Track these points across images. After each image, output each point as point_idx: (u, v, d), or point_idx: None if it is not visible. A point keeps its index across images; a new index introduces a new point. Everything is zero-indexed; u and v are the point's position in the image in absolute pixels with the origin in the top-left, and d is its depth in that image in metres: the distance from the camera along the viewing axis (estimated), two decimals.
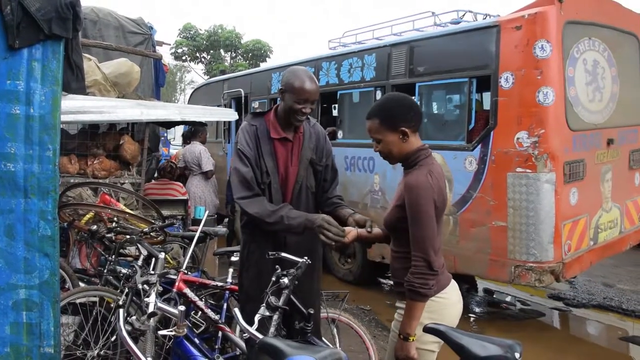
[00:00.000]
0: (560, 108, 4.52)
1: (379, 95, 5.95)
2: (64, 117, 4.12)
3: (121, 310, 2.14)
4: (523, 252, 4.50)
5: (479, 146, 4.88)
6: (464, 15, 6.16)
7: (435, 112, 6.52)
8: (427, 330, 1.88)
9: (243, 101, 8.45)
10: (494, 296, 6.42)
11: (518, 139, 4.55)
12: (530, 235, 4.47)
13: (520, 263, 4.50)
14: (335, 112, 7.55)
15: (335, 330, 3.15)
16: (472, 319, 5.50)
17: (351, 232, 2.37)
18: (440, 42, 5.45)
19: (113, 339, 3.21)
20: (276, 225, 2.50)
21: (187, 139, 7.43)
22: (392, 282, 2.36)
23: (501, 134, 4.70)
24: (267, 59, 32.48)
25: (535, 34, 4.51)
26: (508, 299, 6.27)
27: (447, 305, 2.19)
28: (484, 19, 5.93)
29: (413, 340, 2.07)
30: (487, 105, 5.48)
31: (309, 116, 2.75)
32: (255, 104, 8.18)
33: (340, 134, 6.61)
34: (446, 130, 5.75)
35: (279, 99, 2.70)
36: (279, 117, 2.67)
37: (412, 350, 2.07)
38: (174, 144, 17.84)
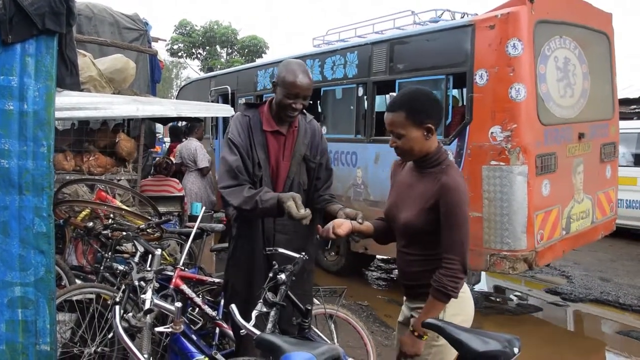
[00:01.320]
0: (532, 103, 4.69)
1: (360, 91, 6.13)
2: (58, 114, 4.09)
3: (117, 307, 2.12)
4: (497, 241, 4.66)
5: (456, 140, 5.06)
6: (442, 14, 6.36)
7: None
8: (425, 325, 1.87)
9: (230, 98, 8.63)
10: (507, 294, 6.42)
11: (492, 133, 4.74)
12: (504, 225, 4.62)
13: (495, 252, 4.66)
14: (319, 109, 7.63)
15: (333, 326, 3.15)
16: None
17: (344, 224, 2.23)
18: (418, 41, 5.65)
19: (110, 336, 3.19)
20: (255, 212, 2.42)
21: (185, 134, 7.40)
22: (406, 285, 2.26)
23: (476, 128, 4.89)
24: (263, 54, 32.38)
25: (508, 33, 4.70)
26: (516, 294, 6.27)
27: (468, 299, 2.18)
28: (461, 17, 6.07)
29: (425, 339, 2.04)
30: (463, 101, 5.66)
31: (305, 112, 2.69)
32: (242, 101, 8.35)
33: (324, 129, 6.70)
34: None
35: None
36: (273, 111, 2.62)
37: (422, 348, 2.05)
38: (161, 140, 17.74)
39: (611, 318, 5.54)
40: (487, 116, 4.81)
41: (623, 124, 10.75)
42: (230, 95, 8.69)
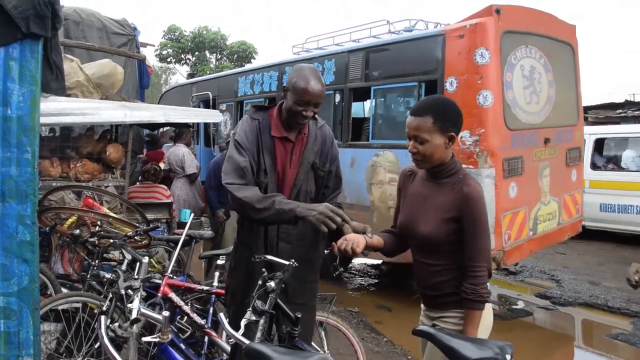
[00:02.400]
0: (499, 109, 4.94)
1: (337, 98, 6.31)
2: (45, 119, 4.04)
3: (103, 317, 2.08)
4: None
5: None
6: (416, 23, 6.70)
7: (389, 113, 6.98)
8: (416, 333, 1.85)
9: (211, 104, 8.90)
10: (497, 299, 6.42)
11: (461, 137, 4.93)
12: None
13: None
14: None
15: (323, 333, 3.12)
16: None
17: (359, 240, 2.13)
18: (392, 49, 5.95)
19: (97, 346, 3.13)
20: (265, 212, 2.29)
21: (174, 140, 7.36)
22: (427, 295, 2.22)
23: None
24: (252, 60, 32.34)
25: (476, 42, 5.00)
26: (506, 299, 6.28)
27: (488, 305, 2.15)
28: (435, 27, 6.35)
29: None
30: None
31: (317, 117, 2.59)
32: (223, 107, 8.62)
33: None
34: (398, 130, 6.15)
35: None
36: (282, 116, 2.50)
37: None
38: None
39: (600, 321, 5.57)
40: None
41: (633, 127, 10.75)
42: (211, 101, 8.92)
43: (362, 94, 6.83)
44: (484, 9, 5.18)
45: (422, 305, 2.31)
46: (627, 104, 15.61)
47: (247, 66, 10.26)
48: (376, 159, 5.81)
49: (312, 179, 2.58)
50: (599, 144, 9.40)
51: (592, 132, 9.34)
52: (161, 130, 8.74)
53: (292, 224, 2.37)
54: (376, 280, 7.04)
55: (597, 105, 16.32)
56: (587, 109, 15.93)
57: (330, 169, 2.63)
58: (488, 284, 2.09)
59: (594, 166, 9.09)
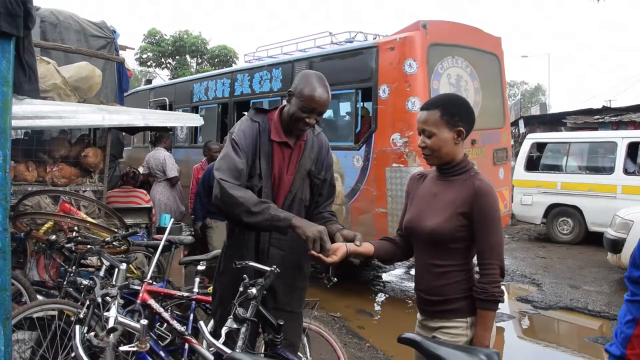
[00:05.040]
0: None
1: (284, 103, 6.71)
2: (20, 122, 3.95)
3: (77, 327, 2.00)
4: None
5: (364, 146, 5.86)
6: (356, 35, 7.19)
7: (330, 117, 7.40)
8: (401, 340, 1.81)
9: (168, 109, 9.21)
10: None
11: (393, 139, 5.51)
12: None
13: None
14: None
15: (305, 339, 3.08)
16: None
17: (340, 248, 2.13)
18: (332, 59, 6.50)
19: (73, 355, 3.04)
20: (259, 216, 2.18)
21: (153, 144, 7.27)
22: (428, 301, 2.13)
23: (380, 136, 5.68)
24: (233, 64, 32.18)
25: (405, 54, 5.54)
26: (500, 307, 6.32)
27: None
28: (374, 38, 6.79)
29: None
30: (370, 112, 6.35)
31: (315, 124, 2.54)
32: (179, 112, 8.86)
33: None
34: (338, 133, 6.82)
35: (286, 101, 2.48)
36: (283, 120, 2.45)
37: None
38: None
39: (580, 324, 5.61)
40: (389, 125, 5.58)
41: None
42: (168, 106, 9.23)
43: None
44: (412, 24, 5.61)
45: (418, 315, 2.24)
46: (604, 110, 15.93)
47: (203, 74, 10.84)
48: None
49: (308, 186, 2.53)
50: (633, 149, 8.68)
51: (624, 136, 8.71)
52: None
53: (281, 233, 2.30)
54: (357, 284, 7.01)
55: (576, 110, 16.62)
56: (566, 115, 16.23)
57: (325, 177, 2.59)
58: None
59: (626, 172, 8.42)
